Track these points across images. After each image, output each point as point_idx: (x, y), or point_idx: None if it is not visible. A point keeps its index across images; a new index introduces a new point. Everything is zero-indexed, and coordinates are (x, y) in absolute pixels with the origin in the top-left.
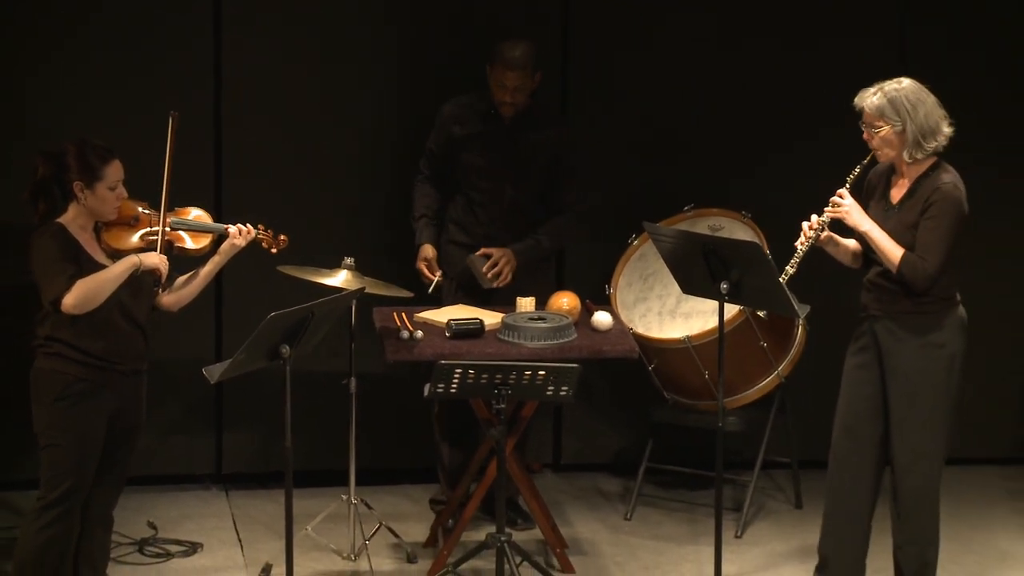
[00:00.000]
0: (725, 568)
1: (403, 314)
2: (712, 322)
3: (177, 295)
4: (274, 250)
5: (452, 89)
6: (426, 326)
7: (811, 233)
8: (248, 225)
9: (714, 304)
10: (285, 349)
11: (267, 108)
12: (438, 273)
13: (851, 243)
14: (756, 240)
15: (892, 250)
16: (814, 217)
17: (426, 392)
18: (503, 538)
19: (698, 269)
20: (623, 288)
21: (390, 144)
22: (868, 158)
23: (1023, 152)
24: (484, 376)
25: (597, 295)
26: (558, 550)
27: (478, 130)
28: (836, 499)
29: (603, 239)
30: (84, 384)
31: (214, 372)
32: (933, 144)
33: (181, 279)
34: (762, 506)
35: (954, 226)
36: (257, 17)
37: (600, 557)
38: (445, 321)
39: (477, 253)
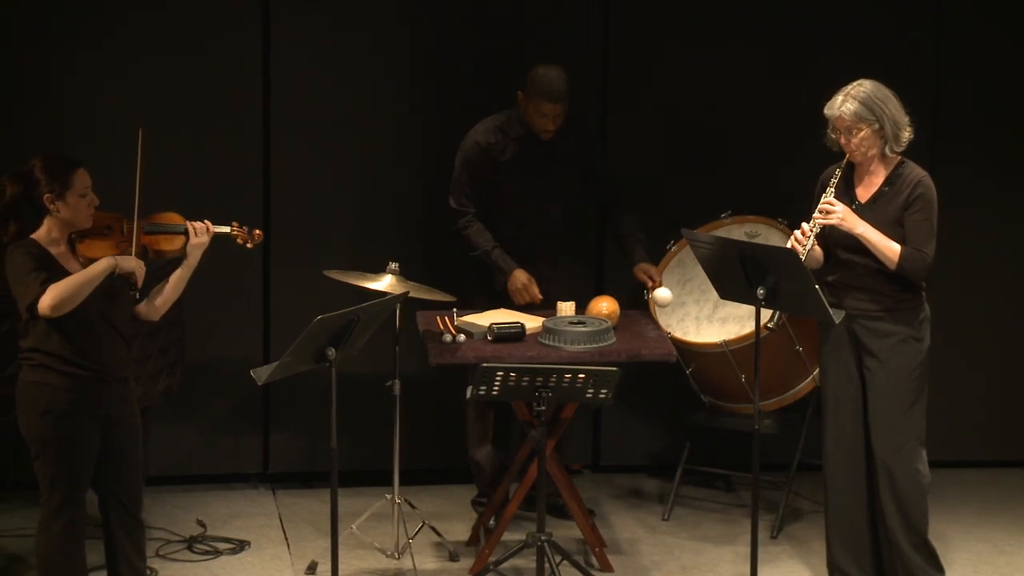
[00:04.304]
0: (761, 569)
1: (446, 318)
2: (748, 327)
3: (155, 303)
4: (249, 245)
5: (494, 100)
6: (468, 329)
7: (805, 241)
8: (207, 222)
9: (750, 309)
10: (331, 352)
11: (315, 118)
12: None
13: (817, 248)
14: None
15: (890, 247)
16: (804, 225)
17: (468, 394)
18: (544, 537)
19: (735, 275)
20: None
21: (435, 153)
22: (844, 161)
23: None
24: (525, 379)
25: (636, 300)
26: (597, 549)
27: (515, 155)
28: (840, 506)
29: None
30: (69, 395)
31: (262, 374)
32: (906, 135)
33: (157, 287)
34: (797, 508)
35: (936, 216)
36: (306, 26)
37: (638, 557)
38: (487, 325)
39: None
